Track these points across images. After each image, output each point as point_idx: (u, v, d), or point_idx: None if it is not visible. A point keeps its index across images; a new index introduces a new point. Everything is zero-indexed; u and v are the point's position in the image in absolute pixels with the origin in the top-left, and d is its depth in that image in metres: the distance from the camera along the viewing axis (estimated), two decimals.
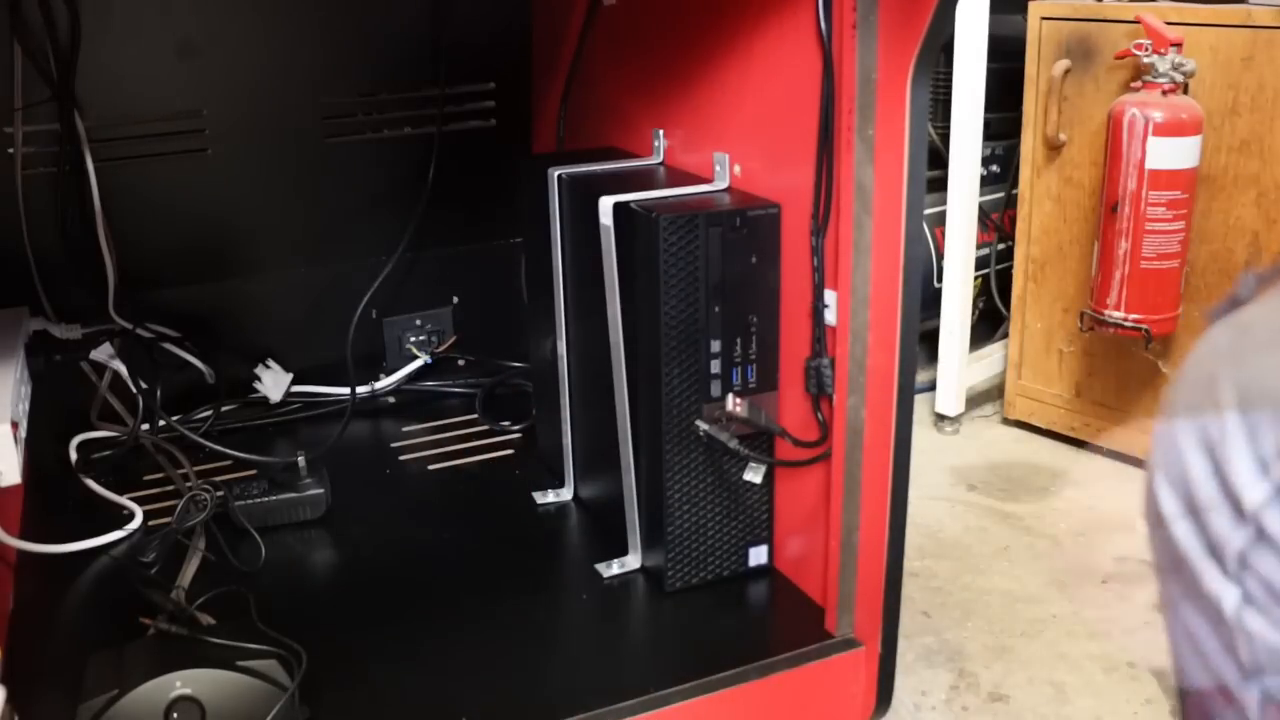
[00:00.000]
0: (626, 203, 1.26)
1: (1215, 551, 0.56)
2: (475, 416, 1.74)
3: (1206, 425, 0.56)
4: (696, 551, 1.31)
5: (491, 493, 1.55)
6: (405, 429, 1.72)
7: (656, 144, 1.49)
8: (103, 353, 1.55)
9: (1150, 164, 1.88)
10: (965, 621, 1.70)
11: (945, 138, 2.25)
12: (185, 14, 1.60)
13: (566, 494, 1.52)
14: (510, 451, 1.65)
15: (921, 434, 2.26)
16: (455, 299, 1.88)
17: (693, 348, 1.24)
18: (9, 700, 1.00)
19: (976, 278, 2.37)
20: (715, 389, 1.26)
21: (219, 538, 1.36)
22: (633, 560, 1.36)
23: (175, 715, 0.99)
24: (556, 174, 1.43)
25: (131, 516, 1.42)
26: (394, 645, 1.20)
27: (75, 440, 1.56)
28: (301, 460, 1.45)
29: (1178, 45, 1.90)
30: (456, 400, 1.81)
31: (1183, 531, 0.58)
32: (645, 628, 1.20)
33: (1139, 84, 1.93)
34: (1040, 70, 2.14)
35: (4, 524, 1.28)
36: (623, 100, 1.58)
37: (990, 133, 2.31)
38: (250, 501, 1.42)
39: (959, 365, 2.30)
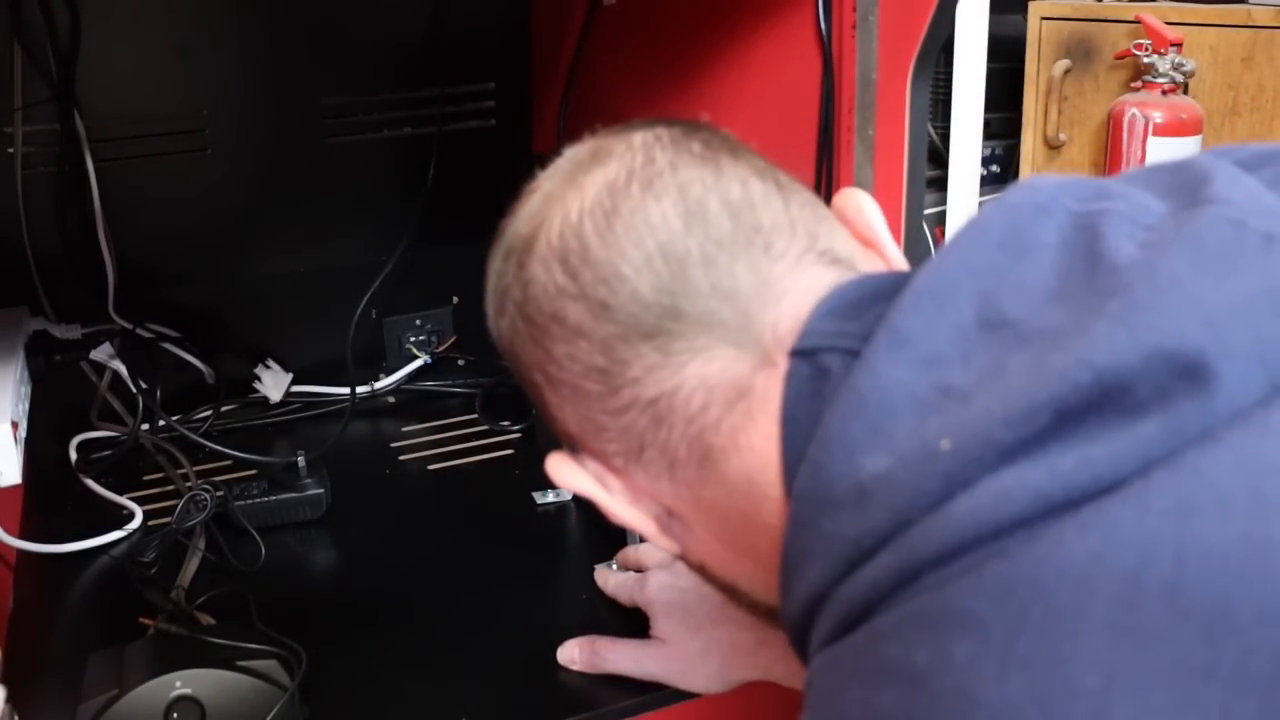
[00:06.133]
0: None
1: None
2: (475, 416, 1.74)
3: None
4: None
5: (491, 493, 1.54)
6: (405, 429, 1.72)
7: None
8: (103, 353, 1.54)
9: (1150, 164, 1.88)
10: None
11: (945, 138, 2.25)
12: (185, 14, 1.60)
13: (566, 494, 1.52)
14: (510, 451, 1.65)
15: None
16: (455, 299, 1.87)
17: None
18: (9, 700, 1.00)
19: None
20: None
21: (219, 538, 1.36)
22: None
23: (175, 715, 0.99)
24: None
25: (131, 516, 1.42)
26: (394, 645, 1.20)
27: (75, 440, 1.55)
28: (301, 460, 1.44)
29: (1178, 45, 1.90)
30: (456, 400, 1.81)
31: None
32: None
33: (1139, 84, 1.93)
34: (1040, 70, 2.14)
35: (4, 524, 1.28)
36: (623, 100, 1.58)
37: (990, 133, 2.31)
38: (250, 501, 1.41)
39: None
